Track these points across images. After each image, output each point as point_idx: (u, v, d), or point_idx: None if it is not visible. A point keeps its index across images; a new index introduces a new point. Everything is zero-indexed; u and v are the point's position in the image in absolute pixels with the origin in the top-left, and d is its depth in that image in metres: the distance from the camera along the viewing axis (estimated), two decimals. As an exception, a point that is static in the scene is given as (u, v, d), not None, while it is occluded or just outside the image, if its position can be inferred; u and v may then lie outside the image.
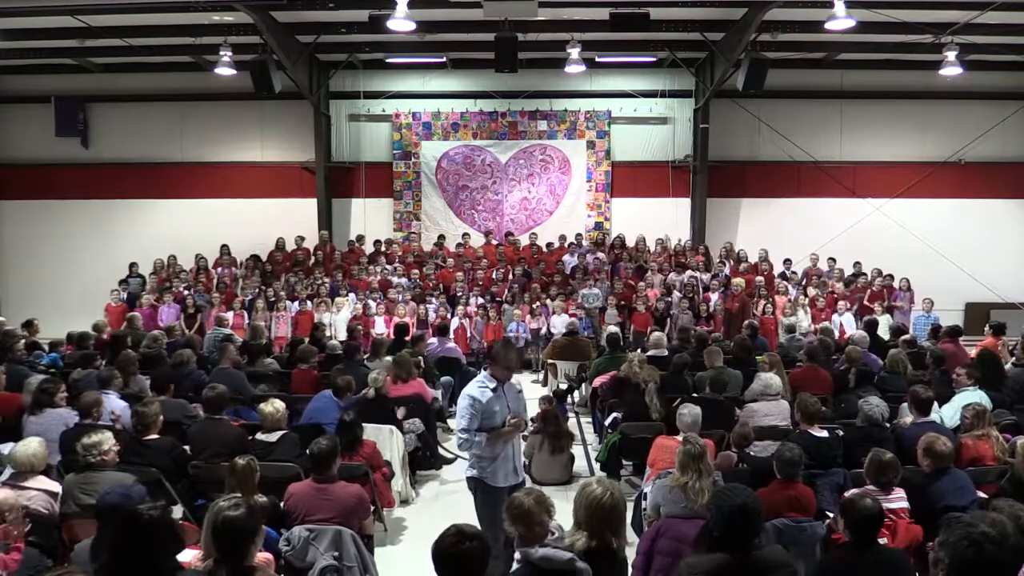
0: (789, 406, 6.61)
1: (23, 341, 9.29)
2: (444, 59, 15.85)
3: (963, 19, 12.36)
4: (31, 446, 4.73)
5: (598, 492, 3.45)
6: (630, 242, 15.57)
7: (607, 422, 7.74)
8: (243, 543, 3.26)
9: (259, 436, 5.82)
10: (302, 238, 15.62)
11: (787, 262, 14.80)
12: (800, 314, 12.71)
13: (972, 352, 8.86)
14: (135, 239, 16.02)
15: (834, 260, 14.73)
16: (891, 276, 14.06)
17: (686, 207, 16.43)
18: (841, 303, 13.07)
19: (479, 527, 3.32)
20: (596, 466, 7.63)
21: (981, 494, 4.78)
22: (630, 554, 4.33)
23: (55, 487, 4.74)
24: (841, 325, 12.52)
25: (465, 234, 15.94)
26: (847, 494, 4.24)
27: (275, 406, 5.88)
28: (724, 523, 3.21)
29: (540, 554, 3.28)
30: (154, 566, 2.98)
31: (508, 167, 16.62)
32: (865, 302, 13.43)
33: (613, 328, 11.53)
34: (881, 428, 5.76)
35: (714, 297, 13.39)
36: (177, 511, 5.28)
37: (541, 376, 12.04)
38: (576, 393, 10.56)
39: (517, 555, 3.43)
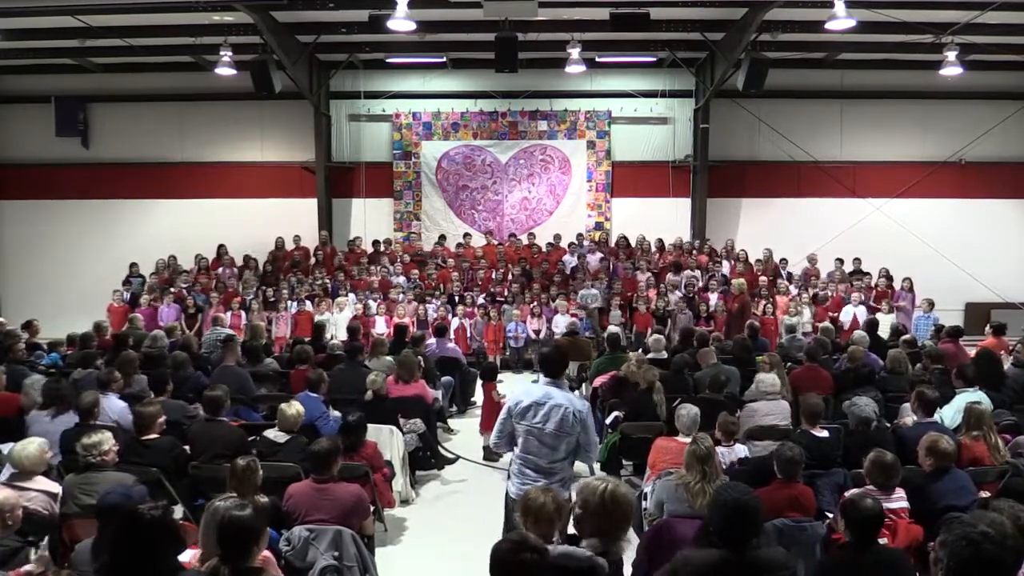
0: (789, 406, 6.61)
1: (23, 341, 9.29)
2: (444, 59, 15.85)
3: (963, 19, 12.36)
4: (28, 448, 4.72)
5: (628, 494, 3.44)
6: (630, 242, 15.58)
7: (607, 421, 7.73)
8: (248, 543, 3.26)
9: (267, 434, 5.82)
10: (299, 238, 15.62)
11: (783, 261, 14.80)
12: (805, 313, 12.72)
13: (972, 352, 8.84)
14: (135, 239, 16.02)
15: (841, 261, 14.69)
16: (889, 275, 14.06)
17: (686, 207, 16.44)
18: (855, 295, 13.10)
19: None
20: (596, 466, 7.62)
21: (984, 493, 4.77)
22: (630, 554, 4.35)
23: (55, 487, 4.74)
24: (854, 316, 12.55)
25: (466, 234, 15.94)
26: (847, 494, 4.23)
27: (296, 408, 5.88)
28: (720, 519, 3.21)
29: (559, 551, 3.28)
30: (155, 566, 2.98)
31: (508, 167, 16.62)
32: (871, 302, 13.45)
33: (614, 328, 11.53)
34: (877, 427, 5.76)
35: (713, 297, 13.39)
36: (177, 511, 5.28)
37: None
38: (576, 393, 10.55)
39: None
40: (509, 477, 4.72)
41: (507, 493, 4.72)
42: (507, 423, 4.66)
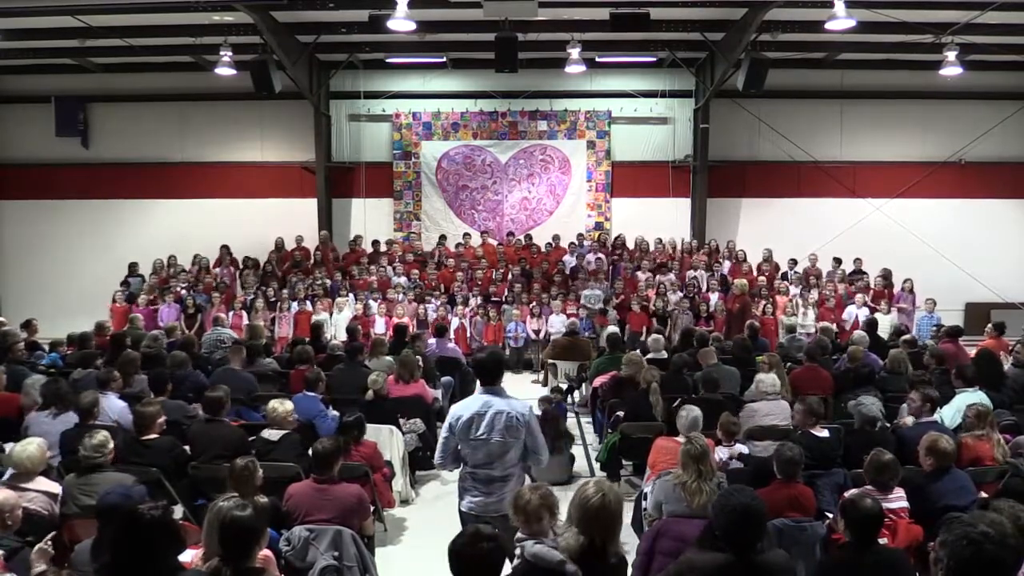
0: (789, 406, 6.61)
1: (23, 341, 9.29)
2: (444, 59, 15.84)
3: (963, 19, 12.36)
4: (28, 449, 4.72)
5: (589, 493, 3.45)
6: (630, 242, 15.58)
7: (610, 421, 7.73)
8: (250, 543, 3.27)
9: (263, 434, 5.85)
10: (301, 238, 15.63)
11: (792, 262, 14.78)
12: (808, 313, 12.73)
13: (972, 352, 8.85)
14: (135, 239, 16.01)
15: (839, 260, 14.70)
16: (889, 274, 14.07)
17: (686, 207, 16.43)
18: (859, 296, 13.12)
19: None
20: (596, 466, 7.63)
21: (983, 494, 4.78)
22: (628, 555, 4.35)
23: (55, 488, 4.74)
24: (856, 317, 12.56)
25: (466, 234, 15.93)
26: (847, 494, 4.24)
27: (285, 406, 5.91)
28: (726, 523, 3.20)
29: (532, 551, 3.29)
30: (155, 566, 2.98)
31: (508, 167, 16.62)
32: (869, 302, 13.46)
33: (613, 328, 11.54)
34: (880, 427, 5.77)
35: (713, 297, 13.39)
36: (177, 511, 5.28)
37: (541, 376, 12.04)
38: (576, 393, 10.57)
39: (517, 549, 3.44)
40: (460, 495, 4.56)
41: (459, 510, 4.56)
42: (450, 440, 4.51)
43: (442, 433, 4.62)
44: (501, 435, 4.39)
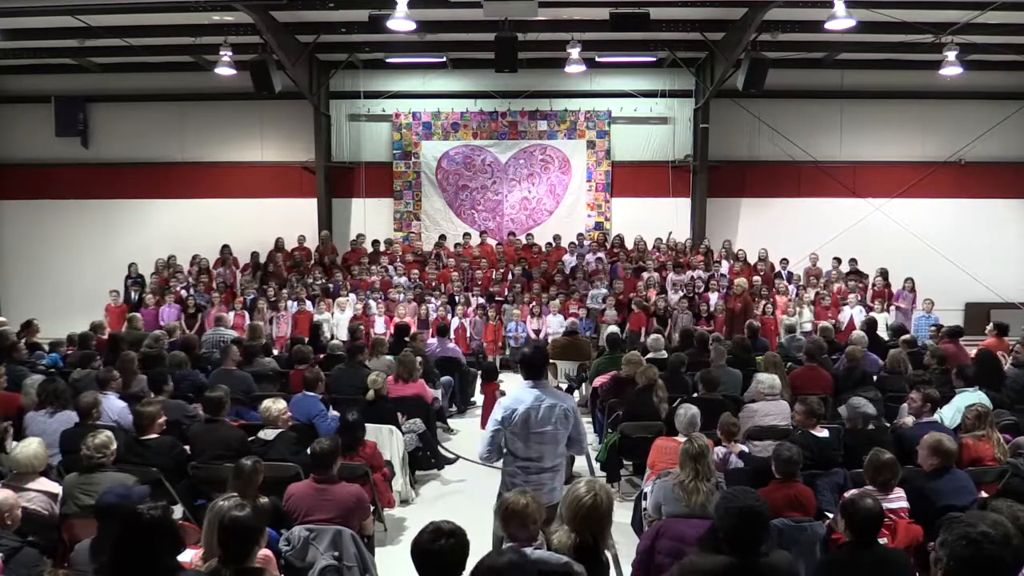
0: (789, 406, 6.62)
1: (23, 340, 9.30)
2: (444, 59, 15.85)
3: (963, 19, 12.36)
4: (27, 448, 4.71)
5: (581, 491, 3.45)
6: (629, 242, 15.58)
7: (610, 420, 7.72)
8: (250, 543, 3.27)
9: (260, 434, 5.86)
10: (303, 238, 15.64)
11: (783, 262, 14.80)
12: (805, 313, 12.73)
13: (972, 352, 8.85)
14: (135, 239, 16.02)
15: (839, 260, 14.71)
16: (886, 273, 14.07)
17: (686, 207, 16.43)
18: (851, 296, 13.11)
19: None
20: (596, 466, 7.62)
21: (983, 493, 4.78)
22: (629, 555, 4.35)
23: (54, 488, 4.74)
24: (851, 318, 12.57)
25: (466, 234, 15.93)
26: (847, 494, 4.23)
27: (279, 405, 5.93)
28: (730, 525, 3.19)
29: (536, 556, 3.28)
30: (155, 566, 2.98)
31: (508, 167, 16.62)
32: (868, 302, 13.45)
33: (613, 328, 11.53)
34: (877, 426, 5.77)
35: (713, 297, 13.39)
36: (177, 511, 5.28)
37: (541, 376, 12.02)
38: (576, 393, 10.56)
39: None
40: (508, 487, 4.51)
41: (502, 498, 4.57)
42: (500, 434, 4.55)
43: (489, 427, 4.61)
44: (555, 426, 4.49)
